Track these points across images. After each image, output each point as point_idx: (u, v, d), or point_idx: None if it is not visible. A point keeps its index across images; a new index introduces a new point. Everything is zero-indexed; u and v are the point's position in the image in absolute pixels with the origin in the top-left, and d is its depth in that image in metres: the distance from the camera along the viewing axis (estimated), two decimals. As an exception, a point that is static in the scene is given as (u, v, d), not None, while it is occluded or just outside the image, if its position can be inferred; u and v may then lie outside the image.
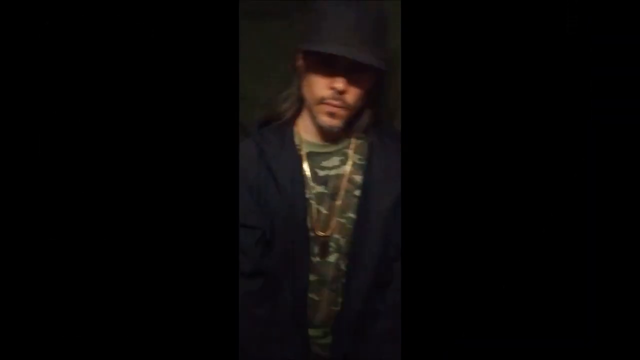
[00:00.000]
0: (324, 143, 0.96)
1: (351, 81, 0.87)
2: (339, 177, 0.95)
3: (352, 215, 0.94)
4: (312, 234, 0.93)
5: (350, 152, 0.96)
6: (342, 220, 0.94)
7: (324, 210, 0.93)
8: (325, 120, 0.90)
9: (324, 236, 0.93)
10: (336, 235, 0.94)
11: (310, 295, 0.95)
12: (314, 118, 0.92)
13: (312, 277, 0.94)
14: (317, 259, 0.94)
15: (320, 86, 0.88)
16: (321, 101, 0.89)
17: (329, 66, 0.87)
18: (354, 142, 0.95)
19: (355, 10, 0.86)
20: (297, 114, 0.97)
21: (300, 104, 0.95)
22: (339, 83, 0.86)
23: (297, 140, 0.96)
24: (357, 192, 0.94)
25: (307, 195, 0.93)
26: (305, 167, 0.95)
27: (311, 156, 0.95)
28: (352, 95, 0.88)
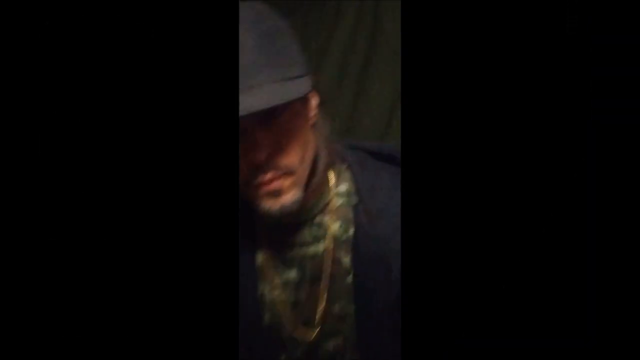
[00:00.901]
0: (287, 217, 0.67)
1: (274, 135, 0.61)
2: (316, 257, 0.69)
3: (348, 309, 0.68)
4: (288, 336, 0.69)
5: (326, 219, 0.68)
6: (336, 314, 0.69)
7: (296, 302, 0.68)
8: (271, 205, 0.63)
9: (309, 341, 0.67)
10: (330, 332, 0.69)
11: None
12: (259, 210, 0.65)
13: None
14: None
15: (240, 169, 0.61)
16: (252, 188, 0.63)
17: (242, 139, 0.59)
18: (332, 202, 0.67)
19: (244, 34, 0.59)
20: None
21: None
22: (258, 153, 0.60)
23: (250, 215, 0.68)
24: (349, 278, 0.68)
25: (264, 290, 0.69)
26: (261, 252, 0.69)
27: (271, 232, 0.69)
28: (288, 152, 0.61)
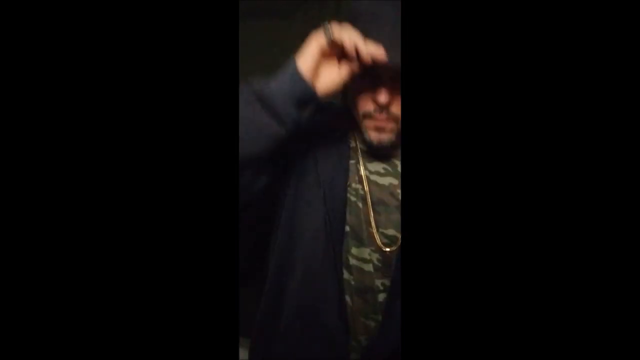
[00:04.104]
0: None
1: (397, 91, 0.80)
2: (382, 187, 0.89)
3: (396, 234, 0.88)
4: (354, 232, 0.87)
5: (398, 162, 0.89)
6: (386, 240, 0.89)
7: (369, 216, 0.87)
8: (373, 136, 0.84)
9: (387, 251, 0.87)
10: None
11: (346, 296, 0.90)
12: (362, 133, 0.86)
13: (346, 276, 0.89)
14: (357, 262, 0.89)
15: (362, 100, 0.82)
16: (366, 116, 0.83)
17: (369, 77, 0.80)
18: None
19: (395, 4, 0.77)
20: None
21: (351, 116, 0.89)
22: (382, 96, 0.80)
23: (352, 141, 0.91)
24: (398, 209, 0.88)
25: (350, 193, 0.88)
26: (353, 163, 0.89)
27: (362, 154, 0.90)
28: (399, 106, 0.81)
